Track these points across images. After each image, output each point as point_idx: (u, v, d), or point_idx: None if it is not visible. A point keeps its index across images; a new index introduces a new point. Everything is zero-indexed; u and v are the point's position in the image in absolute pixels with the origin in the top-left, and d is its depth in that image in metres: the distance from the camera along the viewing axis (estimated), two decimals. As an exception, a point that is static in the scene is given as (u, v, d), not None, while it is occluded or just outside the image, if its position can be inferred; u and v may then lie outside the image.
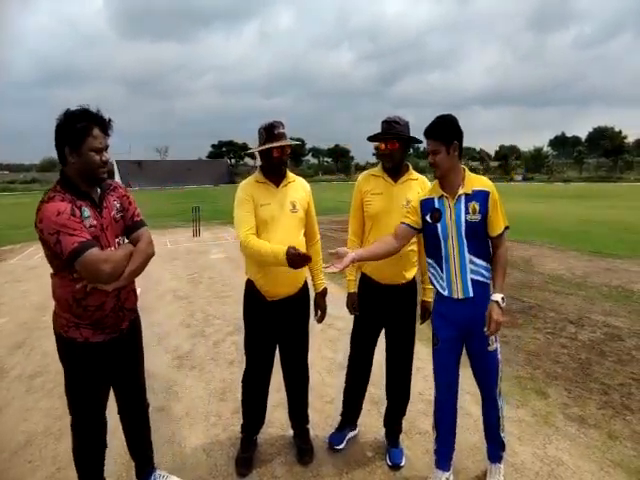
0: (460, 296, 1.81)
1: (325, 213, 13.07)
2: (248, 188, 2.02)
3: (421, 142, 1.96)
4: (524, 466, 2.10)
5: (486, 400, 1.95)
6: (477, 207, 1.77)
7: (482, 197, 1.78)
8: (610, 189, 26.82)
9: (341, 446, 2.27)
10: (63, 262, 1.48)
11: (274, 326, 2.08)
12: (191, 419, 2.58)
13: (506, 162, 53.16)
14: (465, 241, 1.77)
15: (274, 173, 2.04)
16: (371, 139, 2.10)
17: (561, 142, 69.36)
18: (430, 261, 1.92)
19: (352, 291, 2.19)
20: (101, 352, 1.66)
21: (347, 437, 2.33)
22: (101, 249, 1.53)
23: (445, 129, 1.76)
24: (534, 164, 50.65)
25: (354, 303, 2.18)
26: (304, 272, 2.07)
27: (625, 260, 6.59)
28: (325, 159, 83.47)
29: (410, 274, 2.11)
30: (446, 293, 1.84)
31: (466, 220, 1.76)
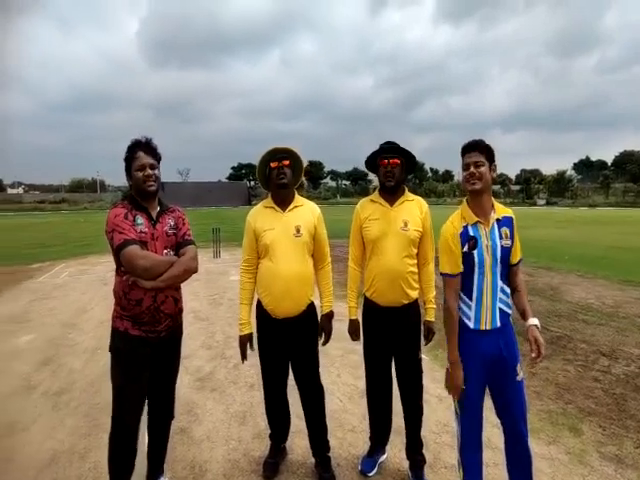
0: (488, 327, 1.76)
1: (342, 236, 13.09)
2: (254, 215, 2.18)
3: (415, 158, 2.17)
4: (559, 508, 1.98)
5: (513, 436, 1.82)
6: (508, 232, 1.76)
7: (509, 223, 1.79)
8: (638, 215, 25.94)
9: (372, 472, 2.24)
10: (117, 257, 1.78)
11: (283, 343, 2.14)
12: (212, 443, 2.56)
13: (528, 186, 52.40)
14: (500, 268, 1.74)
15: (281, 197, 2.12)
16: (372, 159, 2.17)
17: (586, 166, 68.07)
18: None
19: (353, 318, 2.26)
20: (138, 345, 1.84)
21: (378, 462, 2.31)
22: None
23: (488, 148, 1.76)
24: (557, 188, 49.74)
25: (355, 330, 2.27)
26: (308, 295, 2.14)
27: (658, 289, 6.31)
28: (343, 182, 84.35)
29: (412, 295, 2.13)
30: (472, 325, 1.77)
31: (501, 246, 1.74)
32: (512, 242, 1.77)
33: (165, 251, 1.87)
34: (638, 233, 14.39)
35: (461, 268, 1.77)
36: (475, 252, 1.74)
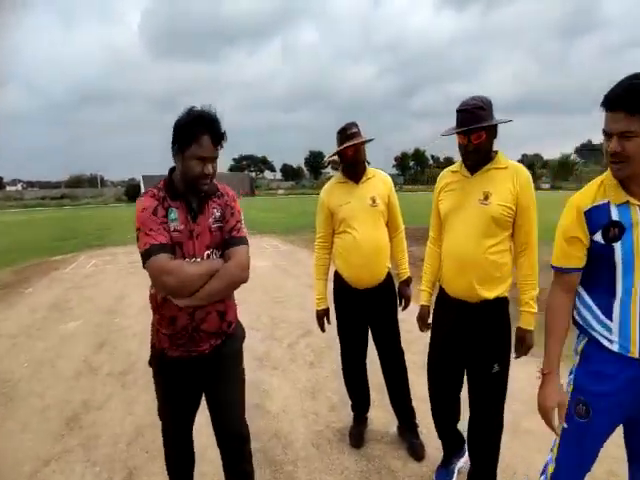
0: (637, 355, 1.17)
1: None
2: (327, 192, 2.22)
3: (511, 121, 1.60)
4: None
5: None
6: None
7: None
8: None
9: None
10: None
11: (362, 312, 2.20)
12: (289, 416, 2.61)
13: (533, 171, 52.30)
14: None
15: (353, 171, 2.14)
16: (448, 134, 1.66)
17: (589, 149, 67.86)
18: (589, 296, 1.28)
19: (423, 303, 1.96)
20: (178, 368, 1.51)
21: (456, 470, 2.01)
22: (182, 257, 1.40)
23: None
24: (561, 172, 49.56)
25: (421, 318, 1.97)
26: (384, 266, 2.16)
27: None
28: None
29: (490, 292, 1.64)
30: (615, 347, 1.20)
31: None
32: None
33: (208, 252, 1.45)
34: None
35: (581, 262, 1.25)
36: (618, 245, 1.16)
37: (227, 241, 1.48)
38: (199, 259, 1.43)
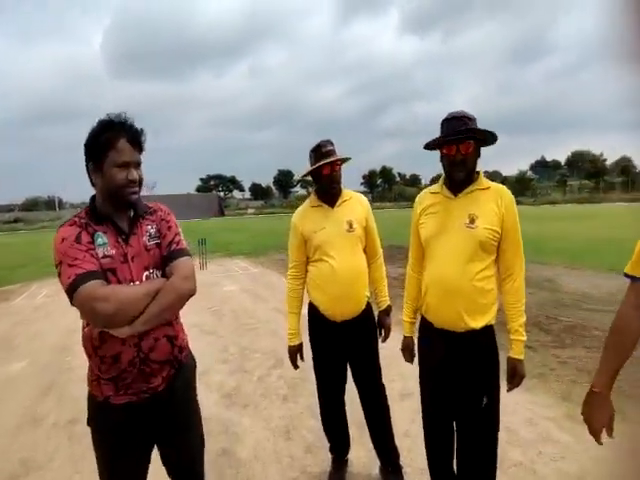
0: None
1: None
2: (300, 216, 2.07)
3: (496, 139, 1.53)
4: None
5: None
6: None
7: None
8: (599, 210, 27.52)
9: None
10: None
11: (340, 346, 2.04)
12: (262, 462, 2.37)
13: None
14: None
15: (328, 193, 2.01)
16: (433, 145, 1.57)
17: (543, 166, 72.34)
18: None
19: (406, 335, 1.84)
20: (126, 416, 1.29)
21: None
22: (117, 282, 1.25)
23: None
24: (518, 188, 52.24)
25: (406, 349, 1.85)
26: (363, 296, 2.02)
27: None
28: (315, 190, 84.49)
29: (477, 321, 1.54)
30: None
31: None
32: None
33: (147, 273, 1.31)
34: (609, 227, 15.18)
35: None
36: None
37: (167, 256, 1.35)
38: (137, 282, 1.28)
